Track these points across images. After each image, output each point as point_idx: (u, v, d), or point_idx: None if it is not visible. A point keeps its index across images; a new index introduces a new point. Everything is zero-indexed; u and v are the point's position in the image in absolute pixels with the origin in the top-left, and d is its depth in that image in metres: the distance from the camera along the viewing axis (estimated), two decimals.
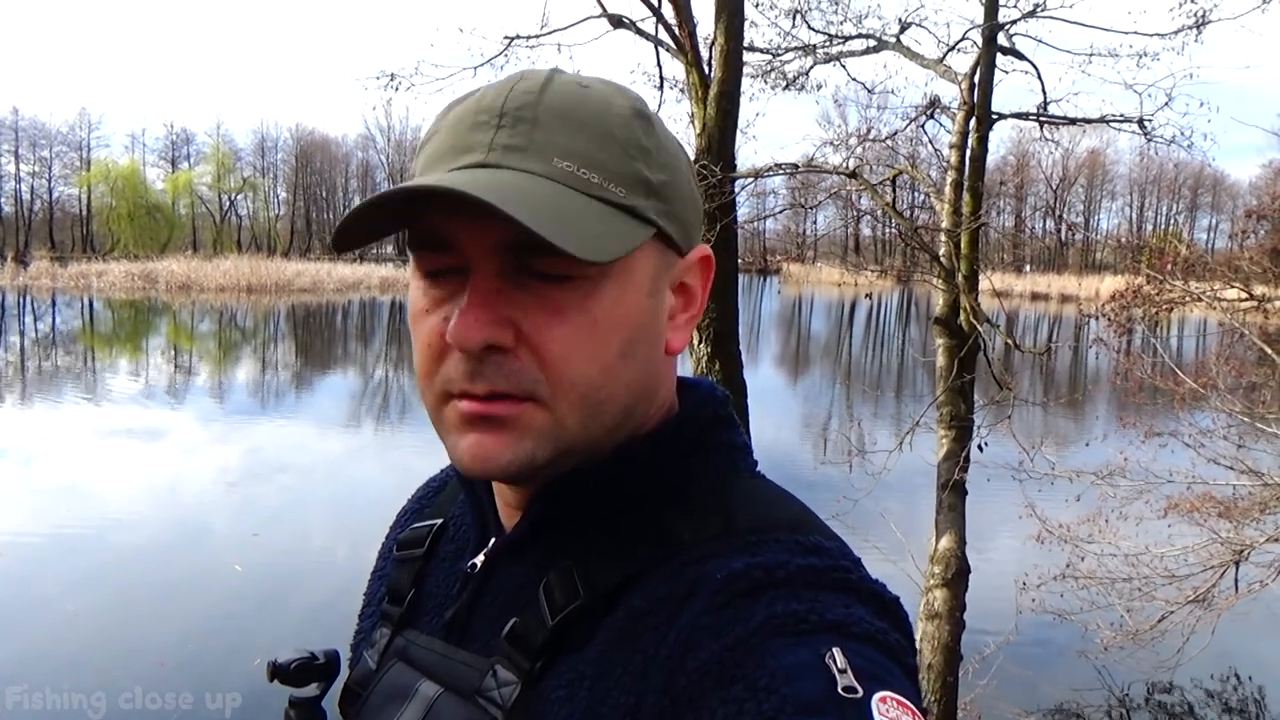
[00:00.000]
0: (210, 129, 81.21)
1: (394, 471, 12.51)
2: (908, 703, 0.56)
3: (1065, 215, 69.18)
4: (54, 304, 37.44)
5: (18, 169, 72.38)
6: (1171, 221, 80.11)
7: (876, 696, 0.54)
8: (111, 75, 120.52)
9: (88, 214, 74.47)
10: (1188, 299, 8.37)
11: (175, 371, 21.78)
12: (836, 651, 0.56)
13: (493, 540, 0.77)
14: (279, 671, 0.82)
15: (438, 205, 0.62)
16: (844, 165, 5.33)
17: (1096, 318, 8.23)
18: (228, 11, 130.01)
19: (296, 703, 0.82)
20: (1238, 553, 6.92)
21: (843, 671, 0.55)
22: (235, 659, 6.19)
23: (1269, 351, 6.99)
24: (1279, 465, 7.59)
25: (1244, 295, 7.69)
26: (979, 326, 4.80)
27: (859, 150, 7.02)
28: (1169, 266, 8.07)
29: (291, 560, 8.53)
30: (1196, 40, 7.31)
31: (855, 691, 0.54)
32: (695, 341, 4.37)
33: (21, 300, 38.47)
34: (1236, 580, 6.99)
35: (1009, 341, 5.39)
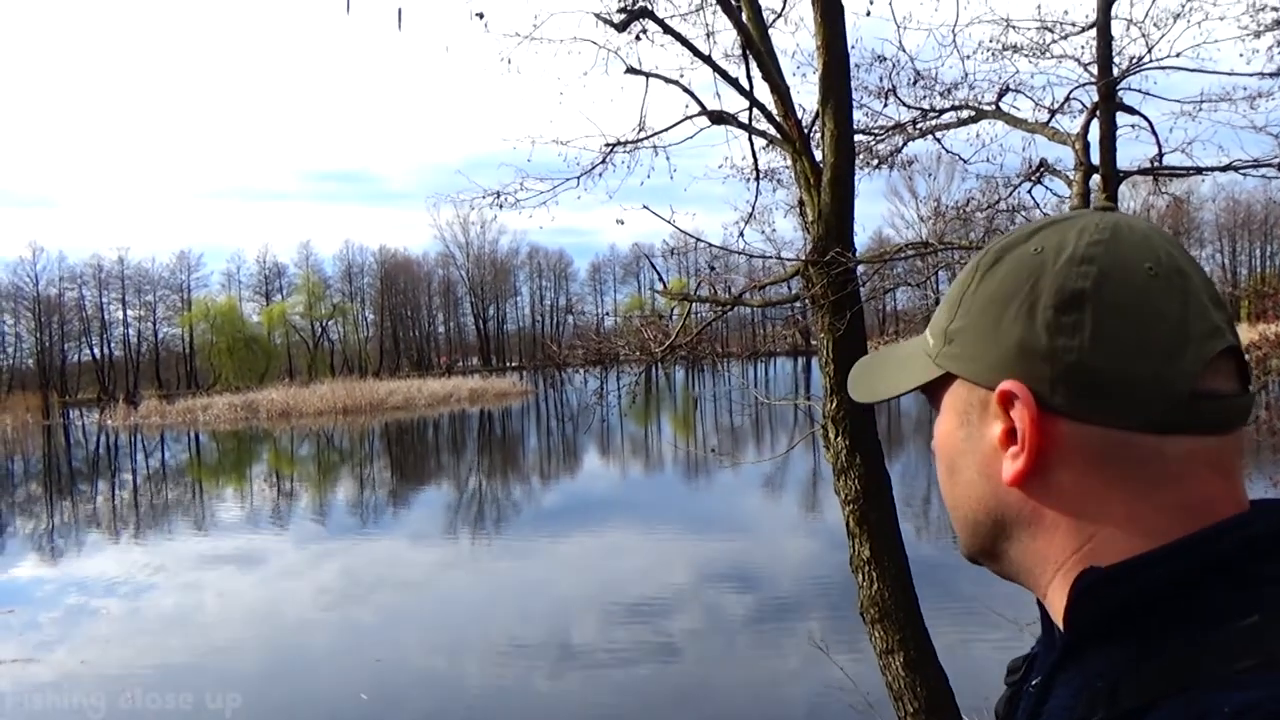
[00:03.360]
0: (299, 259, 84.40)
1: (491, 580, 12.40)
2: None
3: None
4: (163, 440, 38.92)
5: (125, 314, 76.59)
6: (1268, 263, 77.10)
7: None
8: (208, 214, 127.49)
9: (190, 351, 78.09)
10: None
11: (278, 496, 22.24)
12: None
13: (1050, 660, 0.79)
14: None
15: None
16: (957, 237, 5.14)
17: None
18: (311, 143, 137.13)
19: None
20: None
21: None
22: None
23: None
24: None
25: None
26: None
27: (973, 219, 6.82)
28: None
29: (409, 680, 8.38)
30: None
31: None
32: (833, 435, 4.16)
33: (133, 439, 40.12)
34: None
35: None
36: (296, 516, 19.20)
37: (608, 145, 5.13)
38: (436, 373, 68.57)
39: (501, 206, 5.33)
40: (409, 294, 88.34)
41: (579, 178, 5.18)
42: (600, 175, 5.31)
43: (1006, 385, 0.73)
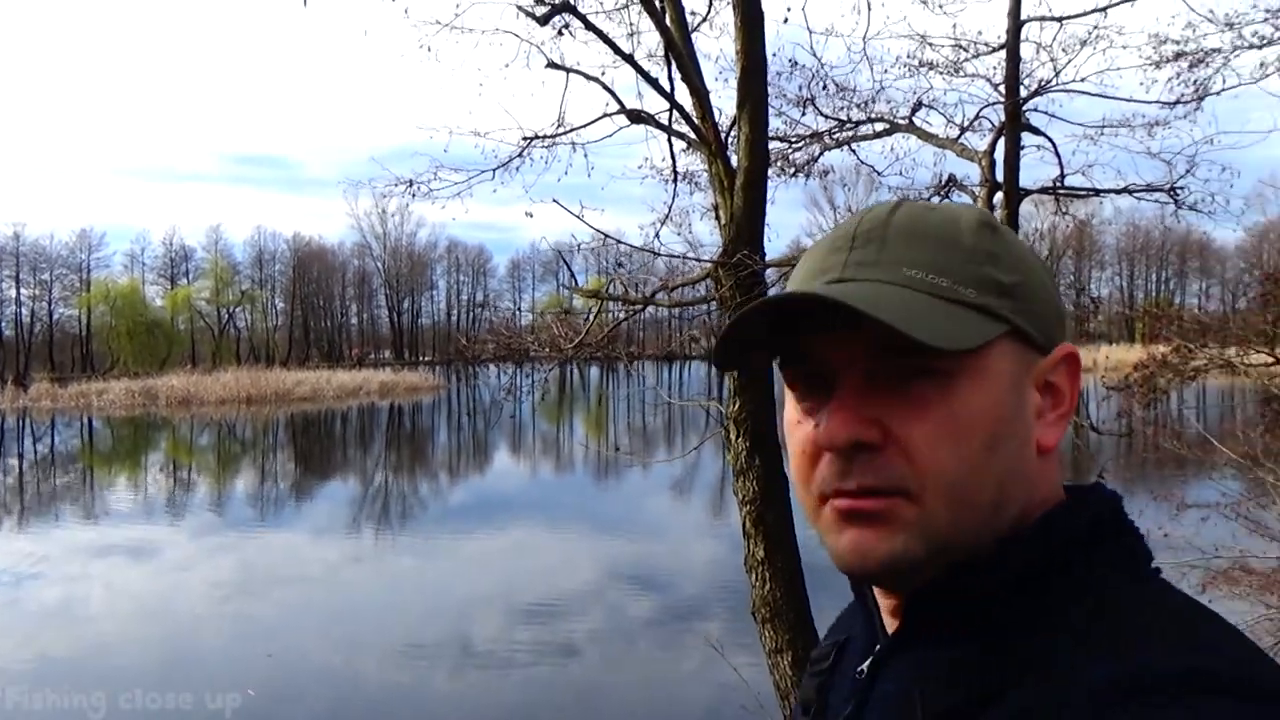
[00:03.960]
0: (208, 244, 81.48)
1: (393, 577, 12.21)
2: None
3: (1083, 288, 69.31)
4: (53, 425, 37.24)
5: (18, 293, 72.99)
6: (1163, 288, 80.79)
7: None
8: (112, 193, 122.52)
9: (87, 334, 74.70)
10: (1211, 365, 8.24)
11: (174, 486, 21.49)
12: None
13: (877, 646, 0.78)
14: None
15: (802, 322, 0.68)
16: None
17: (1122, 389, 8.08)
18: (226, 125, 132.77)
19: None
20: None
21: None
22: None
23: None
24: None
25: (1271, 359, 7.55)
26: None
27: None
28: (1191, 332, 7.96)
29: (301, 678, 8.17)
30: (1198, 109, 7.33)
31: None
32: (734, 436, 4.19)
33: (21, 422, 38.27)
34: None
35: (1090, 425, 5.22)
36: (193, 507, 18.59)
37: (526, 139, 5.10)
38: (347, 364, 67.15)
39: (415, 196, 5.25)
40: (322, 283, 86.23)
41: (495, 170, 5.13)
42: (517, 169, 5.27)
43: (1069, 346, 0.76)
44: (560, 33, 5.15)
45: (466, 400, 46.54)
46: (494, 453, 28.22)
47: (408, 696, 7.92)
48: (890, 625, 0.77)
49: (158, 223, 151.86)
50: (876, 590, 0.78)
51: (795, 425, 0.73)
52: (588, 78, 5.15)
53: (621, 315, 5.66)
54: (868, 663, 0.77)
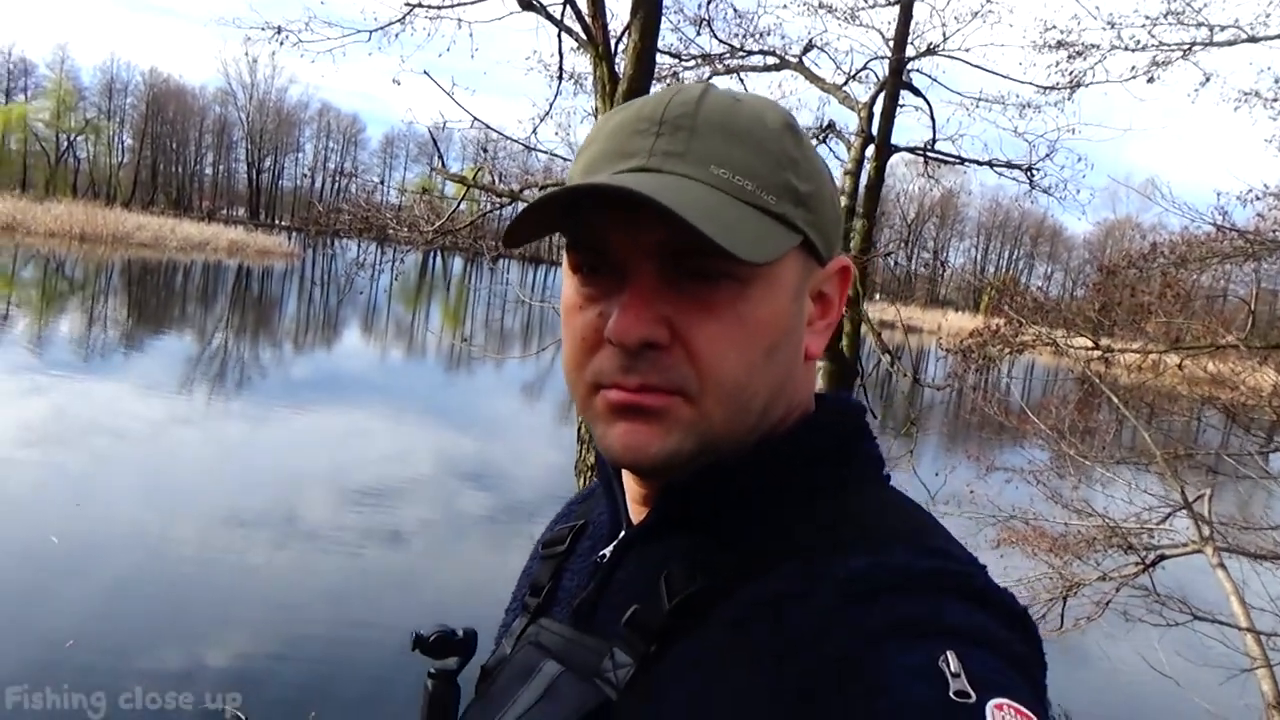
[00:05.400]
0: (53, 61, 74.43)
1: (220, 443, 11.84)
2: (1028, 713, 0.54)
3: (936, 251, 72.06)
4: None
5: None
6: (1013, 266, 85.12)
7: (992, 703, 0.53)
8: None
9: None
10: (1038, 343, 8.78)
11: None
12: (951, 656, 0.55)
13: (622, 532, 0.79)
14: (420, 642, 0.90)
15: (599, 206, 0.65)
16: None
17: (956, 353, 8.52)
18: None
19: (435, 674, 0.89)
20: (1068, 588, 7.25)
21: (956, 676, 0.54)
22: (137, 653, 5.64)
23: (1115, 400, 7.37)
24: (1112, 506, 8.02)
25: (1091, 345, 8.09)
26: (883, 356, 4.82)
27: None
28: (1025, 309, 8.43)
29: (109, 531, 7.86)
30: (1070, 99, 7.66)
31: (968, 697, 0.53)
32: None
33: None
34: (1063, 614, 7.33)
35: (909, 376, 5.45)
36: (7, 341, 17.35)
37: (409, 4, 4.82)
38: (195, 216, 63.33)
39: (282, 44, 4.91)
40: (177, 126, 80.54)
41: (372, 32, 4.85)
42: (396, 37, 5.00)
43: (844, 259, 0.77)
44: None
45: (322, 272, 44.95)
46: (344, 330, 27.46)
47: (220, 563, 7.75)
48: (636, 513, 0.79)
49: None
50: (627, 478, 0.80)
51: (575, 310, 0.71)
52: None
53: (488, 207, 5.54)
54: (610, 548, 0.79)
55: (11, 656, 5.61)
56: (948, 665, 0.55)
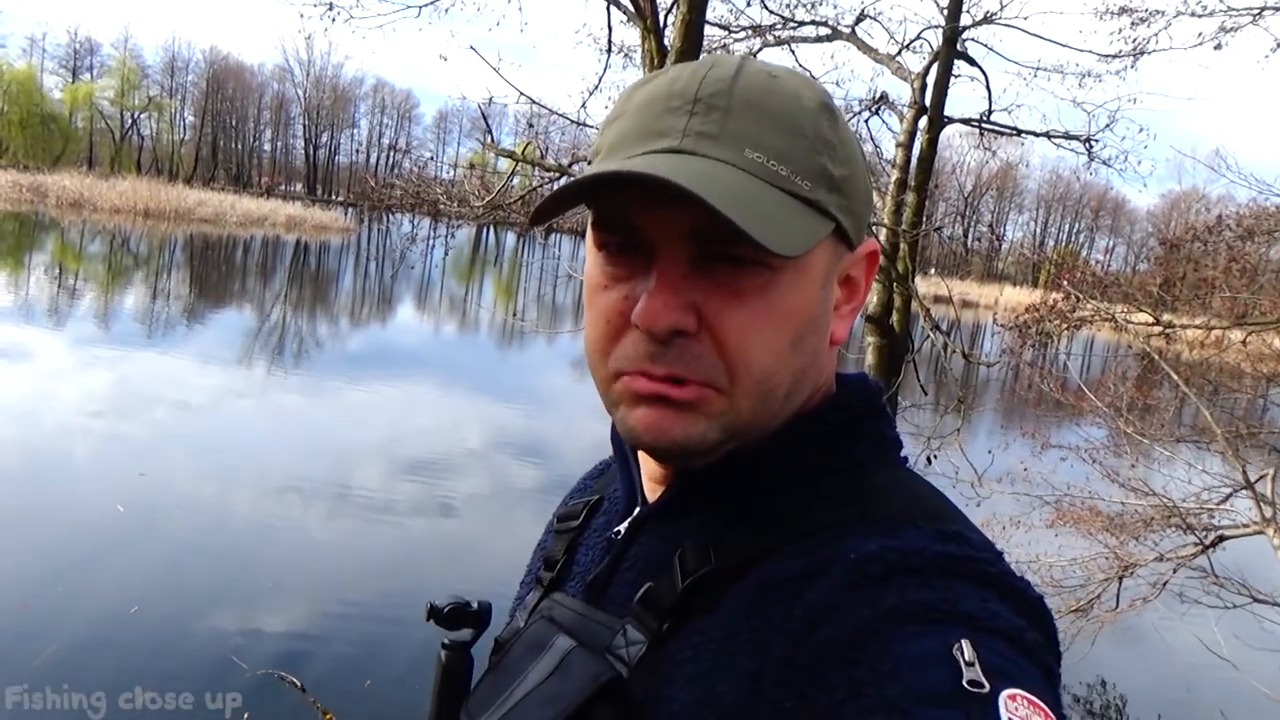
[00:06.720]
0: (117, 41, 76.07)
1: (277, 415, 12.10)
2: (1041, 704, 0.54)
3: (992, 224, 70.63)
4: None
5: None
6: (1073, 240, 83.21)
7: (1005, 693, 0.53)
8: None
9: None
10: (1097, 318, 8.59)
11: (57, 290, 20.61)
12: (966, 644, 0.55)
13: (637, 509, 0.79)
14: (434, 613, 0.90)
15: (631, 187, 0.63)
16: None
17: (1012, 328, 8.38)
18: None
19: (449, 645, 0.89)
20: (1124, 568, 7.13)
21: (970, 664, 0.54)
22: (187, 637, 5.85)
23: (1175, 378, 7.19)
24: (1172, 486, 7.84)
25: (1152, 320, 7.89)
26: (932, 334, 4.76)
27: None
28: (1084, 284, 8.25)
29: (170, 500, 8.10)
30: (1132, 67, 7.44)
31: (982, 686, 0.53)
32: None
33: None
34: (1119, 595, 7.21)
35: (961, 351, 5.38)
36: (74, 316, 17.85)
37: None
38: (255, 192, 64.48)
39: (334, 19, 4.96)
40: (236, 103, 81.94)
41: (421, 7, 4.87)
42: (446, 11, 5.02)
43: (873, 242, 0.76)
44: None
45: (377, 247, 45.49)
46: (398, 304, 27.80)
47: (277, 531, 7.95)
48: (652, 491, 0.79)
49: (58, 17, 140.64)
50: (643, 456, 0.79)
51: (599, 289, 0.70)
52: None
53: (538, 182, 5.56)
54: (626, 524, 0.79)
55: (81, 618, 5.83)
56: (962, 653, 0.54)
